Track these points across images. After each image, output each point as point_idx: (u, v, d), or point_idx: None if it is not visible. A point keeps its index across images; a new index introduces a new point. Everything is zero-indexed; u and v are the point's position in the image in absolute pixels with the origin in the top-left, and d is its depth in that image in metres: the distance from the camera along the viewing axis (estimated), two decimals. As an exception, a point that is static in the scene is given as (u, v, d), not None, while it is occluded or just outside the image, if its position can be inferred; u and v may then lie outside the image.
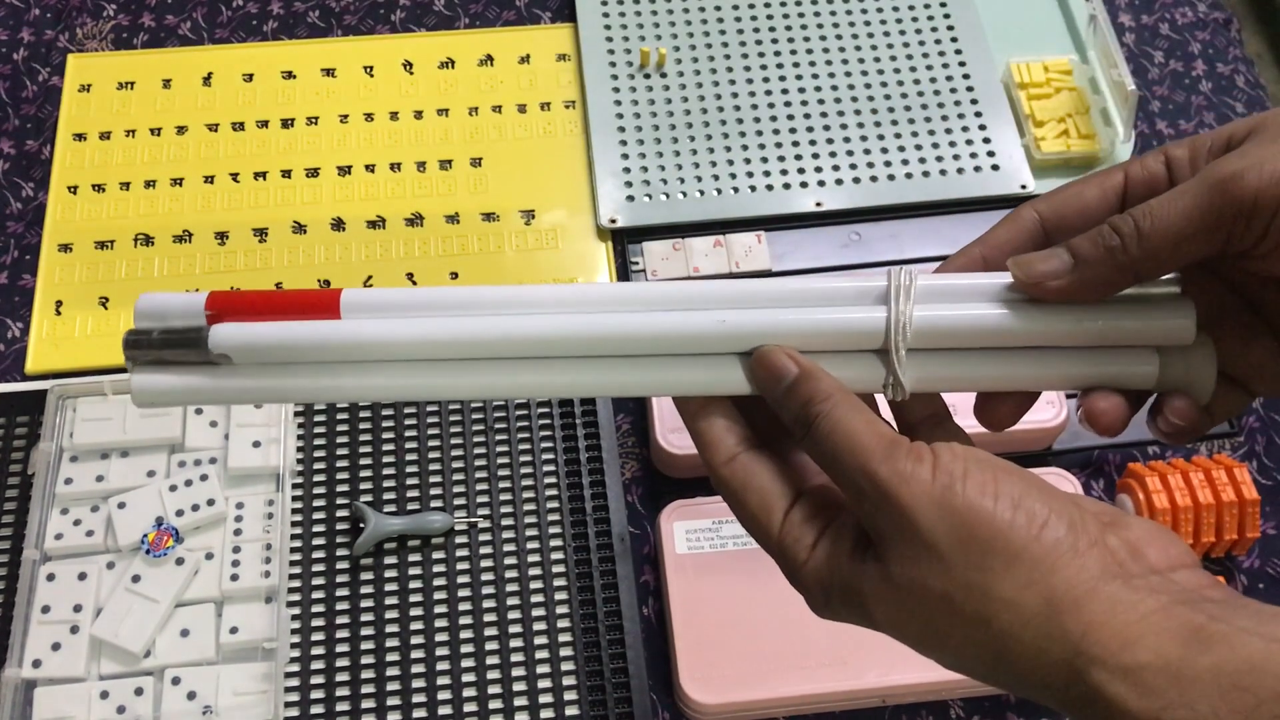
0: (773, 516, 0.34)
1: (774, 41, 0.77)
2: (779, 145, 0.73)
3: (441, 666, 0.56)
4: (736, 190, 0.71)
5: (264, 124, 0.73)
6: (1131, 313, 0.35)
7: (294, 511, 0.59)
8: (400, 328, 0.34)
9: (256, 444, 0.59)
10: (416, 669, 0.56)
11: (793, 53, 0.77)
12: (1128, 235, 0.33)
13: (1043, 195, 0.37)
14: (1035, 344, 0.35)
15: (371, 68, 0.76)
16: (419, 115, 0.74)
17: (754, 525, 0.34)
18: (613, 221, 0.70)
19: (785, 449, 0.35)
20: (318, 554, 0.58)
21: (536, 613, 0.57)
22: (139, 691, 0.53)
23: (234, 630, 0.55)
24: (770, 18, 0.78)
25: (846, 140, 0.73)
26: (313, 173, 0.72)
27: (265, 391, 0.35)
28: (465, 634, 0.56)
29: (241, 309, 0.35)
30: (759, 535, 0.34)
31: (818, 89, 0.75)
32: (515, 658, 0.56)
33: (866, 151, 0.73)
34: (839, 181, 0.72)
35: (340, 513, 0.59)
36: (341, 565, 0.58)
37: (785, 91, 0.75)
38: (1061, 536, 0.30)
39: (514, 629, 0.57)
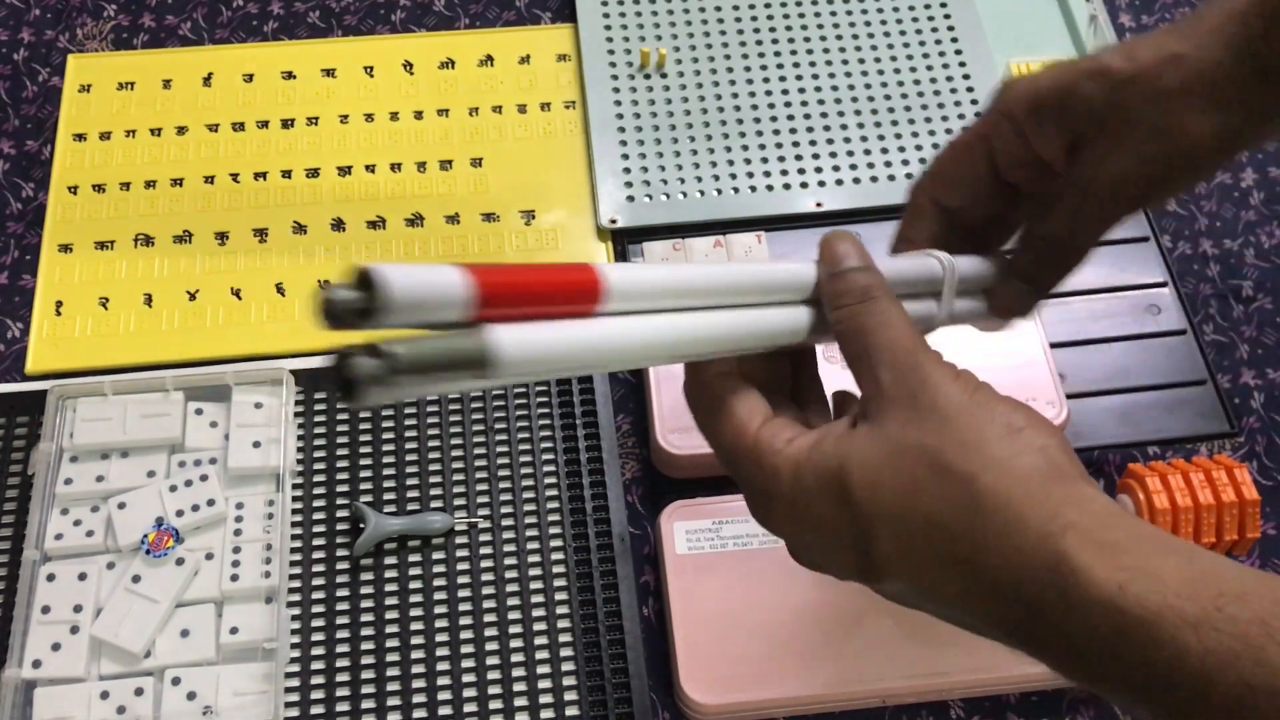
0: (754, 419, 0.35)
1: (774, 41, 0.77)
2: (779, 145, 0.73)
3: (441, 666, 0.56)
4: (736, 190, 0.71)
5: (264, 124, 0.73)
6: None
7: (294, 511, 0.59)
8: (658, 330, 0.34)
9: (256, 444, 0.59)
10: (416, 669, 0.56)
11: (793, 53, 0.77)
12: (1058, 256, 0.43)
13: (927, 180, 0.44)
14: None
15: (371, 68, 0.76)
16: (419, 115, 0.74)
17: (734, 428, 0.36)
18: (613, 222, 0.70)
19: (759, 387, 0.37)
20: (318, 554, 0.58)
21: (536, 613, 0.57)
22: (139, 692, 0.53)
23: (234, 630, 0.55)
24: (770, 18, 0.78)
25: (846, 140, 0.73)
26: (313, 173, 0.72)
27: (504, 381, 0.30)
28: (465, 634, 0.56)
29: (510, 300, 0.30)
30: (736, 437, 0.36)
31: (818, 89, 0.75)
32: (515, 658, 0.56)
33: (866, 152, 0.73)
34: (839, 181, 0.72)
35: (340, 513, 0.59)
36: (341, 565, 0.58)
37: (785, 91, 0.75)
38: (1054, 436, 0.33)
39: (514, 629, 0.57)
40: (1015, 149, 0.42)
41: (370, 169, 0.72)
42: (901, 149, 0.73)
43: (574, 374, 0.34)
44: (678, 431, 0.60)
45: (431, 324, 0.28)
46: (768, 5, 0.79)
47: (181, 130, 0.73)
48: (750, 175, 0.72)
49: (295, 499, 0.59)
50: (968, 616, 0.32)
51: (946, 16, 0.78)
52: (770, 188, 0.71)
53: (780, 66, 0.76)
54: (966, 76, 0.76)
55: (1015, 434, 0.32)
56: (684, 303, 0.35)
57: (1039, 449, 0.32)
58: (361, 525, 0.58)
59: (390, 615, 0.57)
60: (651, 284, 0.34)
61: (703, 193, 0.71)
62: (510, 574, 0.58)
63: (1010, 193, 0.43)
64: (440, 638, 0.56)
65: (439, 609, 0.57)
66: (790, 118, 0.74)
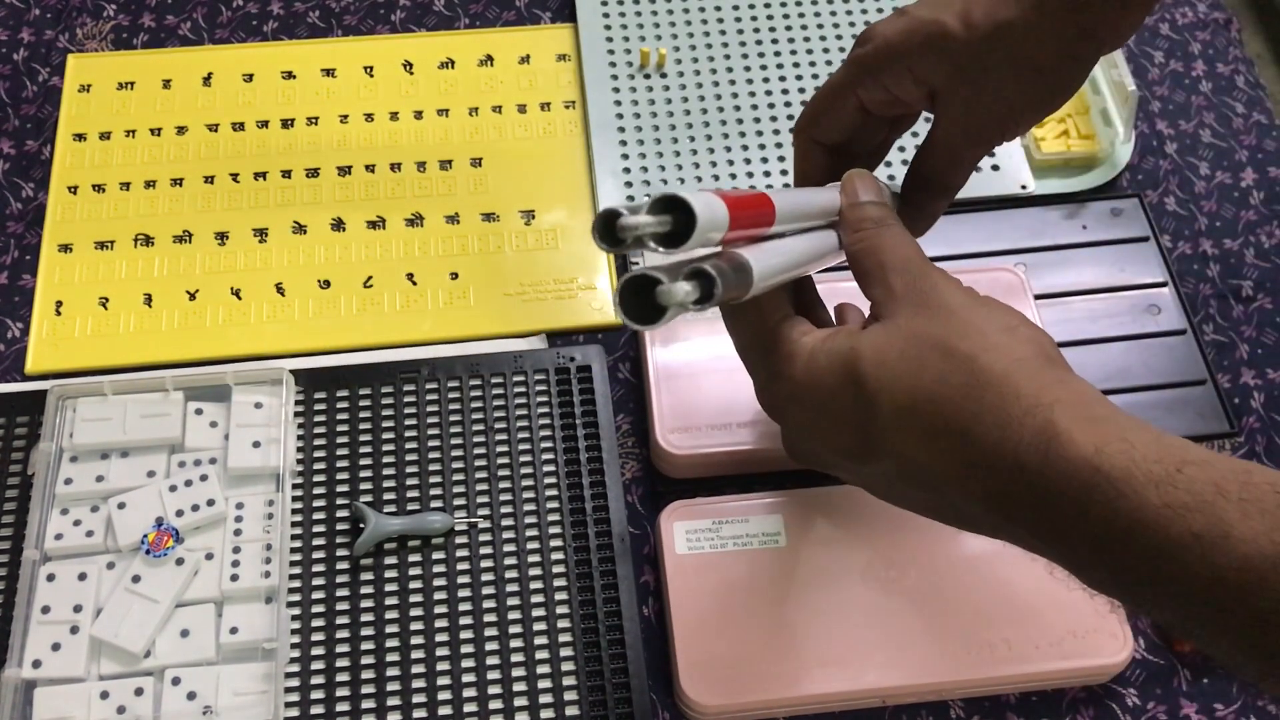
0: (777, 312, 0.40)
1: (774, 41, 0.77)
2: (779, 145, 0.73)
3: (441, 666, 0.56)
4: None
5: (264, 124, 0.73)
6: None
7: (294, 511, 0.59)
8: (797, 249, 0.41)
9: (256, 444, 0.59)
10: (416, 669, 0.56)
11: (793, 53, 0.77)
12: (940, 184, 0.49)
13: (806, 124, 0.49)
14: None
15: (371, 68, 0.76)
16: (419, 115, 0.74)
17: (757, 314, 0.41)
18: (613, 221, 0.69)
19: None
20: (318, 554, 0.58)
21: (536, 613, 0.57)
22: (139, 692, 0.53)
23: (234, 630, 0.55)
24: (770, 18, 0.78)
25: (846, 140, 0.73)
26: (313, 173, 0.72)
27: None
28: (465, 634, 0.56)
29: (741, 222, 0.36)
30: (757, 322, 0.41)
31: (818, 89, 0.75)
32: (515, 658, 0.56)
33: (866, 151, 0.73)
34: (839, 181, 0.72)
35: (340, 513, 0.59)
36: (341, 565, 0.58)
37: (785, 91, 0.75)
38: (1045, 337, 0.37)
39: (514, 629, 0.57)
40: (879, 94, 0.46)
41: (370, 169, 0.72)
42: (901, 149, 0.73)
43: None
44: (678, 431, 0.60)
45: (704, 246, 0.35)
46: (768, 5, 0.79)
47: (181, 130, 0.73)
48: (750, 175, 0.72)
49: (295, 499, 0.59)
50: (949, 490, 0.36)
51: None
52: (770, 188, 0.71)
53: (780, 66, 0.76)
54: (966, 76, 0.76)
55: (1012, 330, 0.36)
56: (796, 226, 0.42)
57: (1033, 340, 0.36)
58: (361, 525, 0.58)
59: (390, 615, 0.57)
60: (792, 207, 0.41)
61: (703, 193, 0.71)
62: (510, 574, 0.58)
63: (883, 121, 0.48)
64: (440, 638, 0.56)
65: (439, 609, 0.57)
66: (790, 118, 0.74)
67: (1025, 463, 0.33)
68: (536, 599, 0.57)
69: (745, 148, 0.73)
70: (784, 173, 0.72)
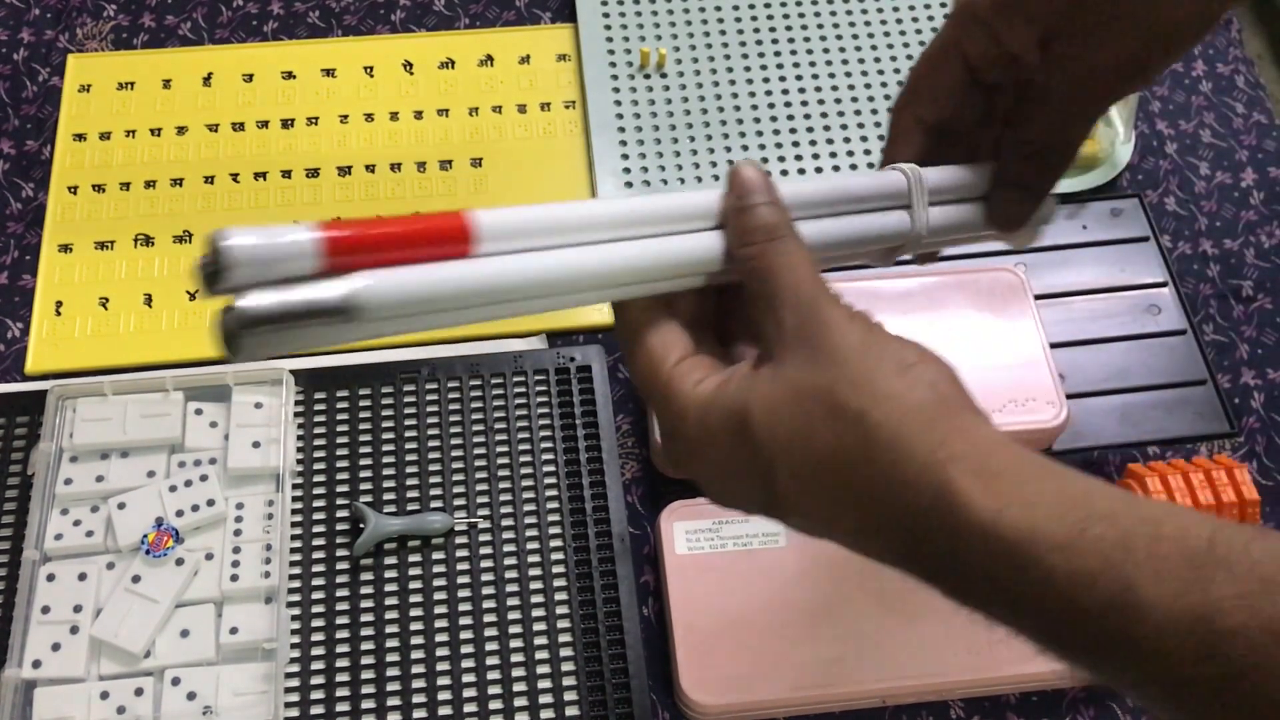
0: (670, 356, 0.36)
1: (774, 41, 0.77)
2: (779, 145, 0.73)
3: (441, 666, 0.56)
4: (736, 190, 0.71)
5: (264, 124, 0.73)
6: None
7: (294, 512, 0.59)
8: (536, 267, 0.33)
9: (256, 444, 0.59)
10: (416, 669, 0.56)
11: (793, 53, 0.77)
12: (1052, 156, 0.43)
13: (905, 99, 0.43)
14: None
15: (371, 68, 0.76)
16: (419, 115, 0.74)
17: (649, 364, 0.36)
18: (613, 221, 0.69)
19: (687, 324, 0.38)
20: (318, 554, 0.58)
21: (536, 613, 0.57)
22: (139, 692, 0.53)
23: (234, 630, 0.55)
24: (770, 18, 0.78)
25: (847, 140, 0.73)
26: (313, 173, 0.72)
27: (393, 330, 0.32)
28: (465, 634, 0.56)
29: (367, 248, 0.31)
30: (651, 374, 0.36)
31: (818, 89, 0.75)
32: (515, 658, 0.56)
33: (867, 152, 0.73)
34: (839, 181, 0.72)
35: (340, 513, 0.59)
36: (341, 565, 0.58)
37: (785, 91, 0.75)
38: (945, 372, 0.34)
39: (514, 629, 0.57)
40: (986, 48, 0.41)
41: (370, 169, 0.72)
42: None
43: (455, 318, 0.33)
44: (678, 431, 0.60)
45: (289, 278, 0.30)
46: (768, 5, 0.79)
47: (181, 130, 0.73)
48: (750, 175, 0.72)
49: (295, 499, 0.59)
50: (865, 547, 0.34)
51: (946, 17, 0.78)
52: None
53: (780, 66, 0.76)
54: (966, 76, 0.76)
55: (906, 370, 0.33)
56: (572, 239, 0.34)
57: (928, 383, 0.33)
58: (361, 525, 0.58)
59: (390, 615, 0.57)
60: (528, 221, 0.33)
61: (703, 193, 0.71)
62: (510, 574, 0.58)
63: (990, 97, 0.43)
64: (440, 638, 0.56)
65: (439, 609, 0.57)
66: (790, 118, 0.74)
67: (929, 527, 0.31)
68: (536, 599, 0.57)
69: (745, 148, 0.73)
70: (784, 172, 0.72)
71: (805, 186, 0.39)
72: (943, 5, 0.79)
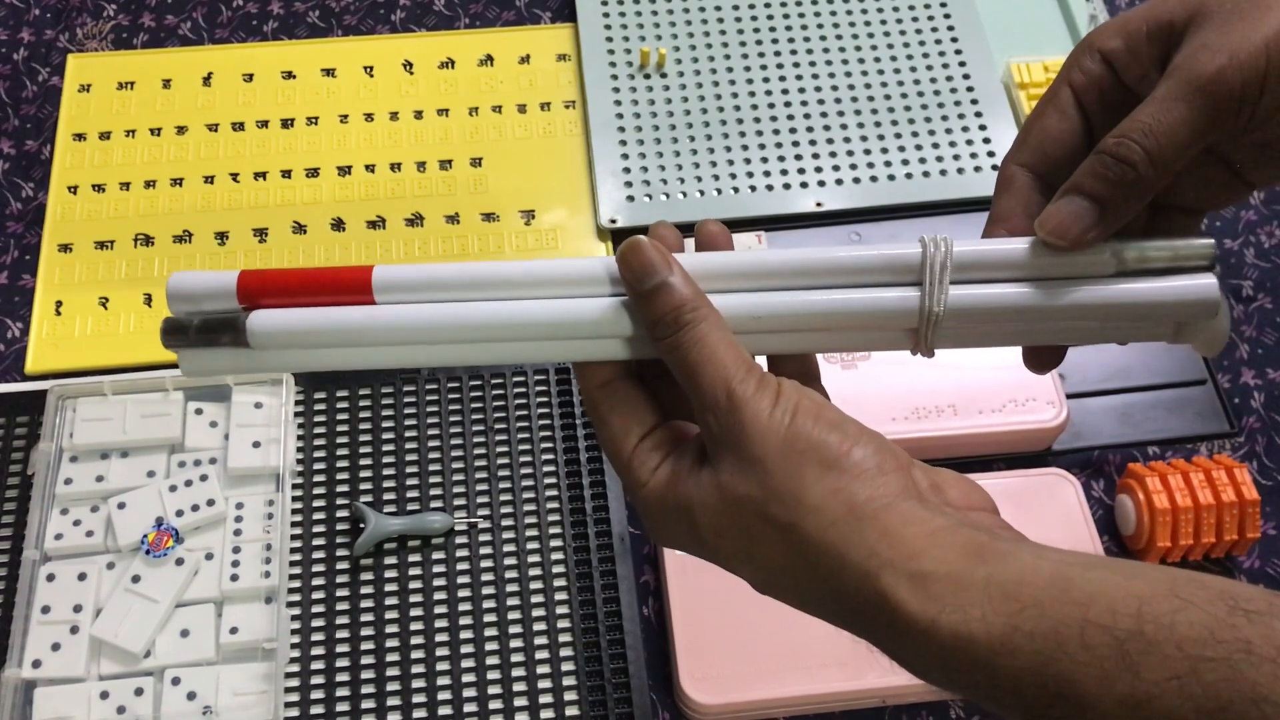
0: (629, 439, 0.35)
1: (774, 41, 0.77)
2: (779, 145, 0.73)
3: (441, 666, 0.56)
4: (736, 190, 0.71)
5: (264, 124, 0.73)
6: (1161, 292, 0.35)
7: (294, 511, 0.59)
8: (427, 314, 0.35)
9: (256, 444, 0.59)
10: (416, 669, 0.56)
11: (793, 53, 0.77)
12: (1139, 162, 0.34)
13: (1012, 149, 0.38)
14: (1063, 318, 0.36)
15: (371, 68, 0.76)
16: (419, 115, 0.74)
17: (611, 446, 0.36)
18: (613, 221, 0.70)
19: (653, 378, 0.37)
20: (318, 554, 0.58)
21: (536, 613, 0.57)
22: (139, 692, 0.53)
23: (234, 630, 0.55)
24: (770, 18, 0.78)
25: (846, 140, 0.73)
26: (313, 173, 0.72)
27: (299, 363, 0.36)
28: (465, 634, 0.56)
29: (273, 291, 0.35)
30: (614, 455, 0.36)
31: (818, 89, 0.75)
32: (515, 658, 0.56)
33: (867, 152, 0.73)
34: (839, 181, 0.72)
35: (340, 513, 0.59)
36: (341, 565, 0.58)
37: (785, 91, 0.75)
38: (869, 455, 0.32)
39: (514, 629, 0.57)
40: (1103, 81, 0.37)
41: (370, 169, 0.72)
42: (901, 149, 0.73)
43: (356, 357, 0.36)
44: (678, 431, 0.60)
45: (215, 311, 0.36)
46: (768, 5, 0.79)
47: (181, 130, 0.73)
48: (750, 175, 0.72)
49: (295, 499, 0.59)
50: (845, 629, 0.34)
51: (946, 16, 0.78)
52: (770, 187, 0.71)
53: (780, 66, 0.76)
54: (966, 76, 0.76)
55: (829, 469, 0.32)
56: (474, 295, 0.36)
57: (856, 478, 0.32)
58: (361, 525, 0.58)
59: (390, 615, 0.57)
60: (422, 276, 0.35)
61: (703, 192, 0.71)
62: (510, 574, 0.58)
63: (1084, 133, 0.38)
64: (440, 638, 0.56)
65: (439, 609, 0.57)
66: (790, 118, 0.74)
67: (879, 634, 0.31)
68: (536, 599, 0.57)
69: (745, 148, 0.73)
70: (784, 172, 0.72)
71: (790, 256, 0.35)
72: (943, 5, 0.79)
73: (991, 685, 0.30)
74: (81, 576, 0.56)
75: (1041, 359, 0.38)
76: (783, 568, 0.33)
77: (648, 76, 0.75)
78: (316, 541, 0.59)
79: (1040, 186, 0.37)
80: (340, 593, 0.57)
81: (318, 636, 0.56)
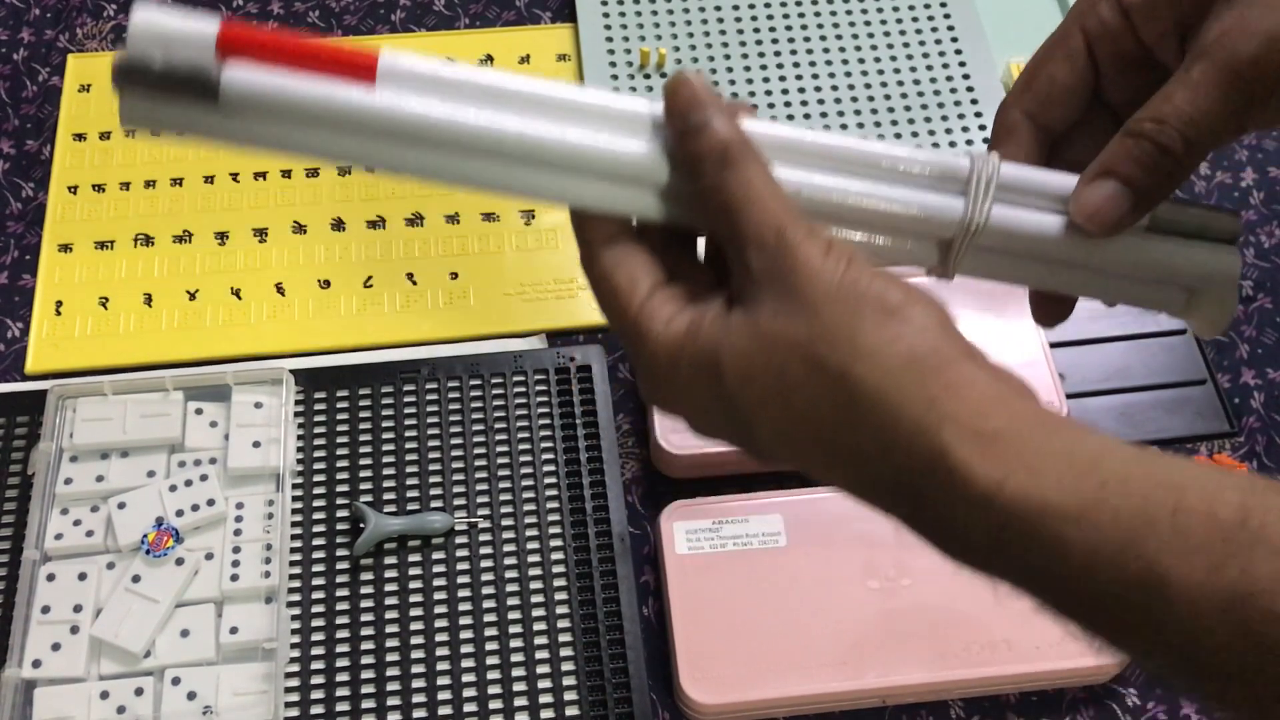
0: (637, 290, 0.33)
1: (774, 42, 0.77)
2: (779, 145, 0.73)
3: (441, 666, 0.56)
4: (736, 190, 0.71)
5: (264, 124, 0.73)
6: (1189, 255, 0.35)
7: (294, 511, 0.59)
8: (434, 112, 0.31)
9: (256, 444, 0.59)
10: (416, 669, 0.56)
11: (793, 53, 0.77)
12: (1181, 152, 0.33)
13: (1015, 92, 0.37)
14: (1087, 265, 0.35)
15: (371, 68, 0.76)
16: (419, 115, 0.74)
17: (615, 300, 0.33)
18: (613, 221, 0.69)
19: (661, 248, 0.34)
20: (318, 554, 0.58)
21: (536, 613, 0.57)
22: (139, 692, 0.53)
23: (234, 630, 0.55)
24: (770, 18, 0.78)
25: (846, 140, 0.73)
26: (312, 173, 0.72)
27: (269, 139, 0.31)
28: (465, 634, 0.56)
29: (260, 49, 0.30)
30: (619, 310, 0.33)
31: (818, 89, 0.75)
32: (515, 658, 0.56)
33: (866, 151, 0.73)
34: (839, 181, 0.72)
35: (340, 513, 0.59)
36: (341, 565, 0.58)
37: (785, 91, 0.75)
38: (932, 313, 0.30)
39: (514, 629, 0.57)
40: (1120, 35, 0.35)
41: (370, 169, 0.72)
42: (901, 149, 0.73)
43: (325, 147, 0.31)
44: (678, 431, 0.60)
45: (183, 59, 0.30)
46: (768, 5, 0.79)
47: (181, 130, 0.73)
48: (750, 175, 0.72)
49: (295, 499, 0.59)
50: (864, 501, 0.31)
51: (946, 16, 0.78)
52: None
53: (780, 66, 0.76)
54: (966, 76, 0.76)
55: (889, 317, 0.29)
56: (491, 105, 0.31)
57: (917, 330, 0.29)
58: (361, 525, 0.58)
59: (390, 615, 0.57)
60: (437, 72, 0.31)
61: (703, 193, 0.71)
62: (510, 574, 0.58)
63: (1112, 116, 0.37)
64: (440, 638, 0.56)
65: (439, 609, 0.57)
66: (790, 117, 0.74)
67: (926, 493, 0.28)
68: (536, 599, 0.57)
69: (745, 148, 0.73)
70: (784, 173, 0.72)
71: (835, 139, 0.33)
72: (943, 5, 0.79)
73: (1054, 564, 0.27)
74: (81, 576, 0.56)
75: (1050, 311, 0.37)
76: (819, 422, 0.30)
77: (648, 76, 0.75)
78: (316, 541, 0.59)
79: (1040, 136, 0.37)
80: (340, 593, 0.57)
81: (318, 636, 0.56)
